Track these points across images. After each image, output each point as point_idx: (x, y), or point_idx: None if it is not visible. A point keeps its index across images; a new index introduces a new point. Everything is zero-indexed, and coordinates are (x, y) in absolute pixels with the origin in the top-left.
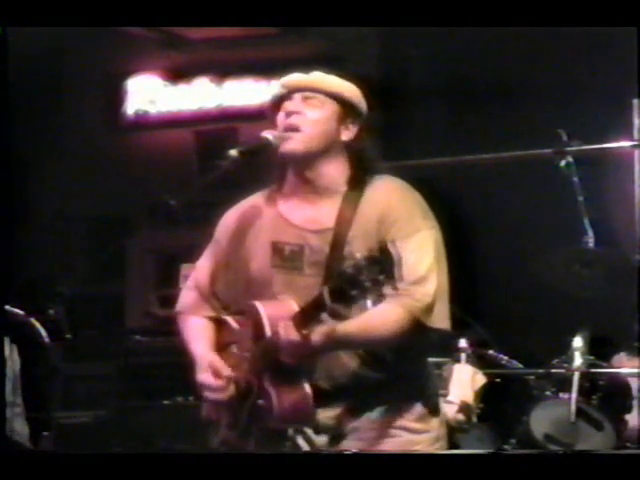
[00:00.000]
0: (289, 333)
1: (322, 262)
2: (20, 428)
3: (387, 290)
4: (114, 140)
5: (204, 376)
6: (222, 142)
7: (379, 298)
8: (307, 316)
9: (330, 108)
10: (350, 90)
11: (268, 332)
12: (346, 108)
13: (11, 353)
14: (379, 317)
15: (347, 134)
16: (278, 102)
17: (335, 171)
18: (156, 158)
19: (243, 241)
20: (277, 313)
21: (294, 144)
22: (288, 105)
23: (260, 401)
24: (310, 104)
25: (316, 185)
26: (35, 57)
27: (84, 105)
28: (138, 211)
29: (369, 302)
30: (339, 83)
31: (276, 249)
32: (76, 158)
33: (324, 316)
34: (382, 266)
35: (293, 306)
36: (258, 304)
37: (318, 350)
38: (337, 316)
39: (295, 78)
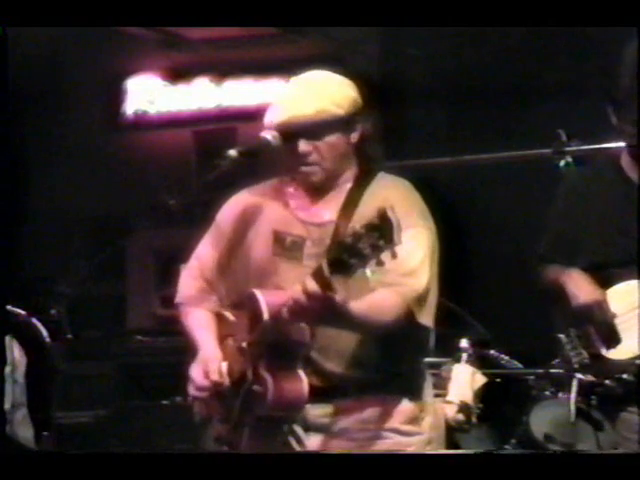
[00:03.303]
0: (309, 287)
1: (322, 254)
2: (25, 431)
3: (386, 258)
4: (114, 140)
5: (194, 371)
6: (222, 142)
7: (377, 266)
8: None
9: (337, 127)
10: (348, 100)
11: (266, 316)
12: (351, 120)
13: (20, 357)
14: (385, 302)
15: (355, 136)
16: (285, 143)
17: (344, 169)
18: (156, 158)
19: (246, 229)
20: (275, 300)
21: (316, 176)
22: (298, 146)
23: (255, 387)
24: (320, 135)
25: (325, 183)
26: (35, 57)
27: (84, 105)
28: (138, 211)
29: (367, 271)
30: (336, 101)
31: (278, 238)
32: (76, 158)
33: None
34: (381, 231)
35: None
36: (256, 290)
37: (332, 315)
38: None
39: (293, 118)
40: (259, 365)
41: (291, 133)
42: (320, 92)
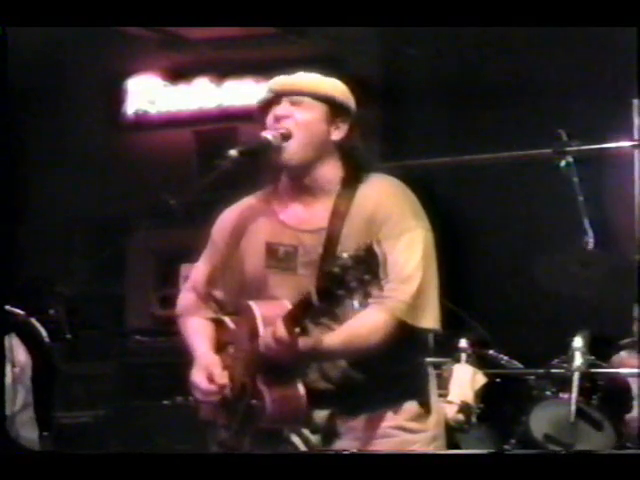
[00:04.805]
0: (278, 333)
1: (315, 262)
2: (30, 433)
3: (373, 290)
4: (114, 140)
5: (198, 377)
6: (222, 142)
7: (365, 299)
8: (296, 316)
9: (319, 110)
10: (337, 90)
11: (262, 331)
12: (335, 108)
13: (26, 359)
14: (365, 327)
15: (338, 134)
16: (266, 106)
17: (329, 172)
18: (156, 158)
19: (239, 242)
20: (271, 313)
21: (287, 152)
22: (277, 109)
23: (253, 401)
24: (298, 107)
25: (310, 187)
26: (35, 57)
27: (84, 105)
28: (138, 211)
29: (355, 303)
30: (325, 84)
31: (270, 250)
32: (76, 158)
33: (313, 317)
34: (367, 266)
35: (287, 306)
36: (253, 304)
37: (304, 357)
38: (325, 317)
39: (281, 82)
40: (257, 379)
41: (277, 95)
42: (314, 76)
